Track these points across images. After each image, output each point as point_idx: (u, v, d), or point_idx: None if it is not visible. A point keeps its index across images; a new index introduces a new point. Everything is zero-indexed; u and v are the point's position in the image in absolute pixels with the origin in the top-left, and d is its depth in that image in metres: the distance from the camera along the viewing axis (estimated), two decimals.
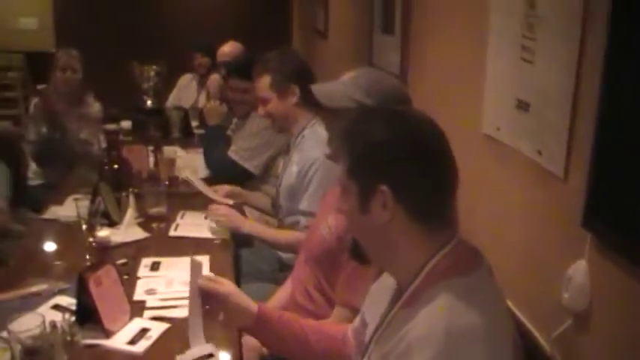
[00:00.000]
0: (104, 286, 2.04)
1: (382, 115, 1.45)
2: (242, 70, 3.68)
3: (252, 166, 3.49)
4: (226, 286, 1.74)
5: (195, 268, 1.74)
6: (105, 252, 2.40)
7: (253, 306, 1.74)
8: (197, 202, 3.21)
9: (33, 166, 4.35)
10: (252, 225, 2.99)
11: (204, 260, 2.47)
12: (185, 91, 5.60)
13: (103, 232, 2.49)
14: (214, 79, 4.52)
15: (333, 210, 2.09)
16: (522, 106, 1.91)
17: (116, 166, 2.98)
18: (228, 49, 4.83)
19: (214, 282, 1.73)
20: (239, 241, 2.98)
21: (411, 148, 1.35)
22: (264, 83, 2.99)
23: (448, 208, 1.39)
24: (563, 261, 1.65)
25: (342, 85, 1.99)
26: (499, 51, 2.09)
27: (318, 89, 2.02)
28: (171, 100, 5.47)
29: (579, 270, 1.59)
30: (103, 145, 3.80)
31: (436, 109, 2.56)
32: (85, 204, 2.81)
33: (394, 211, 1.33)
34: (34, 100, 4.36)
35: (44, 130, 4.12)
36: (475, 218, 2.19)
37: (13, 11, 9.24)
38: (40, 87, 4.17)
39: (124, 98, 4.66)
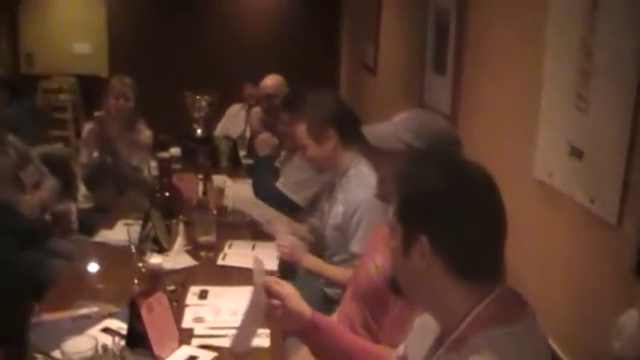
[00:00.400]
0: (155, 312, 2.09)
1: (436, 162, 1.46)
2: (290, 103, 3.74)
3: (299, 198, 3.53)
4: (287, 287, 1.81)
5: (258, 267, 1.83)
6: (157, 279, 2.44)
7: (308, 311, 1.80)
8: (245, 232, 3.26)
9: (83, 190, 4.44)
10: (312, 260, 3.01)
11: (251, 290, 2.50)
12: (233, 121, 5.68)
13: (155, 259, 2.54)
14: (256, 111, 4.60)
15: (380, 249, 2.12)
16: (576, 153, 1.91)
17: (167, 193, 3.04)
18: (270, 81, 4.88)
19: (277, 282, 1.81)
20: (285, 272, 3.00)
21: (461, 201, 1.35)
22: (300, 130, 3.04)
23: (493, 260, 1.38)
24: (614, 310, 1.64)
25: (392, 127, 2.01)
26: (553, 97, 2.10)
27: (369, 131, 2.06)
28: (220, 129, 5.55)
29: (631, 319, 1.58)
30: (153, 171, 3.88)
31: (487, 151, 2.58)
32: (135, 229, 2.87)
33: (431, 262, 1.34)
34: (88, 125, 4.45)
35: (96, 154, 4.20)
36: (523, 263, 2.18)
37: (69, 36, 9.48)
38: (97, 113, 4.25)
39: (174, 125, 4.76)
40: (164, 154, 3.12)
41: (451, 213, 1.34)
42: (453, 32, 3.23)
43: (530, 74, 2.28)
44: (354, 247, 2.86)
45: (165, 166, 3.09)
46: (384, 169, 2.08)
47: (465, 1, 3.08)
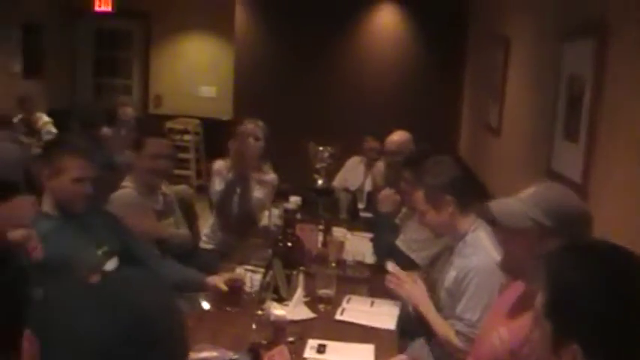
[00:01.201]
0: None
1: (595, 258, 1.32)
2: (413, 162, 3.73)
3: (419, 257, 3.49)
4: None
5: None
6: (280, 331, 2.46)
7: None
8: (363, 288, 3.26)
9: (206, 230, 4.57)
10: (428, 306, 2.95)
11: (369, 349, 2.50)
12: (352, 173, 5.73)
13: (279, 311, 2.56)
14: (379, 167, 4.61)
15: (504, 320, 2.08)
16: None
17: (290, 243, 3.07)
18: (397, 138, 4.90)
19: None
20: (404, 331, 2.97)
21: (619, 305, 1.21)
22: (418, 196, 3.03)
23: None
24: None
25: (519, 203, 1.98)
26: None
27: (495, 206, 2.04)
28: (338, 181, 5.60)
29: None
30: (274, 219, 3.94)
31: (621, 225, 2.49)
32: (256, 277, 2.92)
33: None
34: (219, 161, 4.58)
35: (227, 182, 4.31)
36: None
37: (196, 79, 9.88)
38: (231, 144, 4.34)
39: (295, 174, 4.84)
40: (290, 205, 3.17)
41: (607, 318, 1.21)
42: (587, 99, 3.15)
43: None
44: (459, 308, 2.80)
45: (290, 217, 3.14)
46: (510, 245, 2.06)
47: (602, 68, 3.01)
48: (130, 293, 1.05)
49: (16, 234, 2.24)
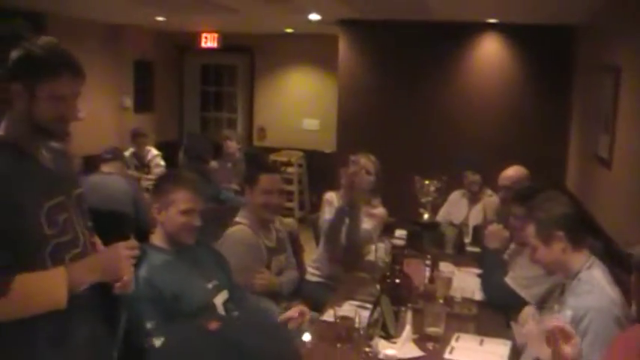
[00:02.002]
0: None
1: None
2: (524, 198, 3.65)
3: (528, 295, 3.39)
4: None
5: None
6: None
7: None
8: (471, 325, 3.19)
9: (312, 262, 4.60)
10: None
11: None
12: (455, 207, 5.66)
13: (390, 350, 2.54)
14: (490, 201, 4.53)
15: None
16: None
17: (398, 280, 3.04)
18: (512, 172, 4.83)
19: None
20: None
21: None
22: (529, 231, 2.94)
23: None
24: None
25: None
26: None
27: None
28: (442, 215, 5.54)
29: None
30: (380, 252, 3.92)
31: None
32: (364, 313, 2.91)
33: None
34: (330, 193, 4.63)
35: (335, 213, 4.33)
36: None
37: (299, 112, 10.03)
38: (343, 171, 4.35)
39: (399, 208, 4.82)
40: (398, 241, 3.14)
41: None
42: None
43: None
44: (589, 356, 2.69)
45: (398, 253, 3.11)
46: None
47: None
48: (251, 339, 1.05)
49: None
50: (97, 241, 2.48)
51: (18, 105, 2.07)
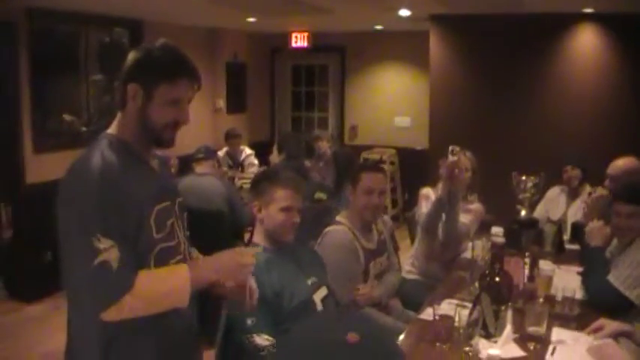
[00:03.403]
0: None
1: None
2: (629, 193, 3.53)
3: (633, 294, 3.28)
4: None
5: None
6: None
7: None
8: (573, 325, 3.11)
9: (409, 259, 4.58)
10: None
11: None
12: (552, 204, 5.52)
13: (494, 350, 2.51)
14: (596, 197, 4.38)
15: None
16: None
17: (498, 278, 3.00)
18: (622, 162, 4.65)
19: None
20: None
21: None
22: None
23: None
24: None
25: None
26: None
27: None
28: (539, 212, 5.42)
29: None
30: (477, 250, 3.86)
31: None
32: (464, 312, 2.87)
33: None
34: (425, 189, 4.63)
35: (434, 205, 4.29)
36: None
37: (390, 110, 10.02)
38: (442, 162, 4.28)
39: (496, 205, 4.75)
40: (498, 239, 3.09)
41: None
42: None
43: None
44: None
45: (498, 252, 3.06)
46: None
47: None
48: (386, 350, 1.04)
49: (233, 291, 2.34)
50: (195, 252, 2.53)
51: (132, 106, 2.11)
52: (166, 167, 2.38)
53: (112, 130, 2.17)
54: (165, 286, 2.07)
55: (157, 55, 2.12)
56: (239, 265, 2.21)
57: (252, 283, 2.41)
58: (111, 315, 1.96)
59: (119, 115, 2.18)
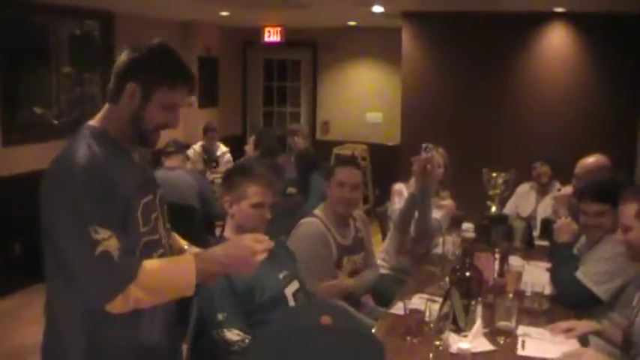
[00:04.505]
0: None
1: None
2: (594, 192, 3.57)
3: (600, 291, 3.32)
4: None
5: None
6: None
7: None
8: (542, 320, 3.15)
9: (380, 254, 4.60)
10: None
11: None
12: (522, 200, 5.58)
13: (464, 344, 2.52)
14: (562, 196, 4.42)
15: None
16: None
17: (468, 273, 3.03)
18: (589, 161, 4.69)
19: None
20: None
21: None
22: (630, 211, 2.87)
23: None
24: None
25: None
26: None
27: None
28: (509, 208, 5.47)
29: None
30: (448, 246, 3.88)
31: None
32: (434, 306, 2.90)
33: None
34: (398, 184, 4.61)
35: (406, 200, 4.29)
36: None
37: (362, 106, 10.05)
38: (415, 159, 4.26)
39: (465, 201, 4.79)
40: (469, 234, 3.12)
41: None
42: None
43: None
44: None
45: (468, 246, 3.09)
46: None
47: None
48: (362, 332, 1.03)
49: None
50: (188, 245, 2.50)
51: (127, 104, 2.08)
52: (146, 160, 2.36)
53: (94, 122, 2.13)
54: (170, 277, 2.03)
55: (160, 57, 2.11)
56: (249, 258, 2.10)
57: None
58: (117, 306, 1.93)
59: (107, 108, 2.14)
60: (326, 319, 0.97)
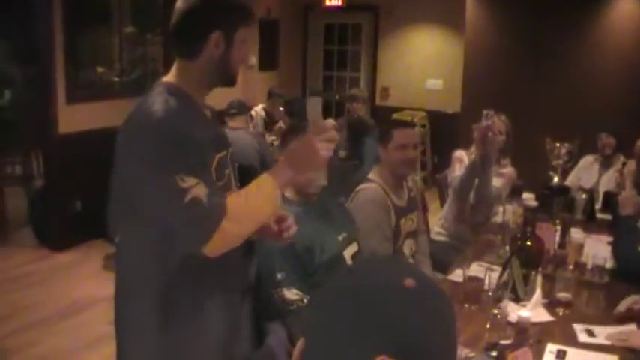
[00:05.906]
0: None
1: None
2: None
3: None
4: None
5: None
6: (524, 332, 2.40)
7: None
8: (601, 293, 3.11)
9: (439, 221, 4.59)
10: None
11: None
12: (585, 172, 5.49)
13: (525, 312, 2.50)
14: (630, 165, 4.32)
15: None
16: None
17: (529, 242, 2.99)
18: None
19: None
20: None
21: None
22: None
23: None
24: None
25: None
26: None
27: None
28: (571, 180, 5.38)
29: None
30: (508, 215, 3.84)
31: None
32: (493, 275, 2.88)
33: None
34: (458, 152, 4.57)
35: (467, 168, 4.24)
36: None
37: (423, 72, 9.91)
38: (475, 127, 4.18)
39: (528, 171, 4.71)
40: (531, 203, 3.09)
41: None
42: None
43: None
44: None
45: (530, 215, 3.05)
46: None
47: None
48: (444, 299, 1.03)
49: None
50: None
51: (212, 53, 2.09)
52: (217, 117, 2.37)
53: (169, 78, 2.15)
54: (256, 200, 2.04)
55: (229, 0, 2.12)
56: (313, 151, 2.06)
57: (282, 213, 2.37)
58: (216, 247, 1.96)
59: (181, 64, 2.15)
60: (410, 282, 0.97)
